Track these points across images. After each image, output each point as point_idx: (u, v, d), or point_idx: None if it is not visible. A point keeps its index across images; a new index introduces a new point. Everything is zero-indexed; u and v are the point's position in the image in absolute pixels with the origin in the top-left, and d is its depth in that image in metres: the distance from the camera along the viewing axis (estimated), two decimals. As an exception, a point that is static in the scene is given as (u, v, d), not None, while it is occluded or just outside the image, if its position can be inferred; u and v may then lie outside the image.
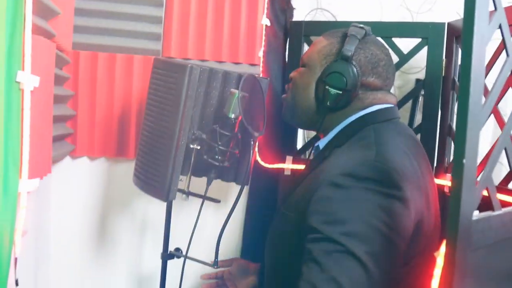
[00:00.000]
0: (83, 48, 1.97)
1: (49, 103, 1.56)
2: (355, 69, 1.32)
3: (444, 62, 1.85)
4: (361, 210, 1.11)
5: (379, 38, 1.91)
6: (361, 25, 1.39)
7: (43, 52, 1.43)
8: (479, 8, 0.89)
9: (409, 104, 2.04)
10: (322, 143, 1.43)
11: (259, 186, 2.12)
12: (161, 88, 1.54)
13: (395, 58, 2.00)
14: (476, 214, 0.99)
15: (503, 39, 1.04)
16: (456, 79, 1.84)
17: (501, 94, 1.61)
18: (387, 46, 1.46)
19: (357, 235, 1.09)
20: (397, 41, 1.97)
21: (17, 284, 1.44)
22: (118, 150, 2.04)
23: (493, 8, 0.99)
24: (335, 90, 1.33)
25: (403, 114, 2.11)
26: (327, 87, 1.34)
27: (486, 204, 1.06)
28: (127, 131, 2.02)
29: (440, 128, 1.86)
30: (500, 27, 1.02)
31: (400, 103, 2.01)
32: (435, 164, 1.86)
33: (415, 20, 2.14)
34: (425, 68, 1.88)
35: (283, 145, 2.08)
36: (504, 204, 1.18)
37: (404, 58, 1.94)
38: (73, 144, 2.01)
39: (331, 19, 2.11)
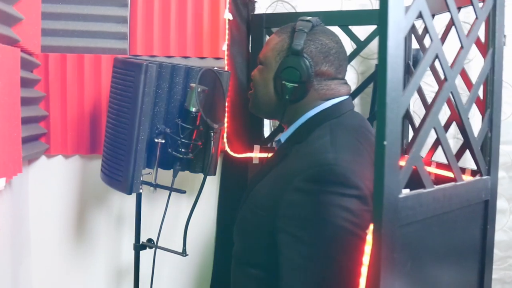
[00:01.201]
0: (52, 50, 2.04)
1: (15, 105, 1.62)
2: (307, 61, 1.39)
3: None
4: (325, 212, 1.20)
5: (336, 27, 1.99)
6: (308, 18, 1.45)
7: (4, 57, 1.49)
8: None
9: (370, 88, 2.11)
10: (283, 137, 1.49)
11: (230, 176, 2.19)
12: (121, 87, 1.61)
13: (352, 46, 2.08)
14: (406, 192, 1.06)
15: (425, 26, 1.11)
16: (411, 64, 1.90)
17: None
18: (336, 34, 1.50)
19: (326, 236, 1.19)
20: (358, 28, 2.04)
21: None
22: (91, 147, 2.11)
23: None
24: (291, 84, 1.40)
25: (364, 97, 2.18)
26: (283, 81, 1.41)
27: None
28: (99, 128, 2.09)
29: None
30: (421, 14, 1.08)
31: (361, 87, 2.08)
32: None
33: (374, 8, 2.19)
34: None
35: (251, 134, 2.15)
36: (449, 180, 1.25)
37: (360, 45, 2.00)
38: (47, 143, 2.08)
39: (291, 10, 2.17)
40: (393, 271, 1.03)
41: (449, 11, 1.19)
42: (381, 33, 0.97)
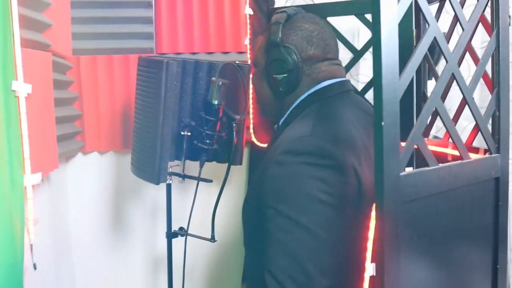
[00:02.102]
0: (82, 53, 2.16)
1: (49, 105, 1.74)
2: (290, 50, 1.39)
3: (414, 33, 1.94)
4: (300, 183, 1.22)
5: (354, 17, 2.04)
6: (283, 9, 1.46)
7: (36, 62, 1.61)
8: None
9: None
10: (281, 121, 1.51)
11: (257, 165, 2.26)
12: (145, 83, 1.71)
13: (369, 34, 2.12)
14: (409, 170, 1.11)
15: (421, 11, 1.15)
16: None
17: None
18: (317, 17, 1.48)
19: (302, 207, 1.21)
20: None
21: (35, 268, 1.63)
22: (123, 143, 2.22)
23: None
24: (281, 75, 1.41)
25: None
26: (273, 75, 1.43)
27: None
28: (129, 125, 2.19)
29: (416, 95, 1.96)
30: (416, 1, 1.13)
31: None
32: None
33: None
34: (398, 39, 1.97)
35: (275, 124, 2.21)
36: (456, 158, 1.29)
37: (378, 32, 2.04)
38: (83, 141, 2.21)
39: (310, 3, 2.22)
40: (398, 245, 1.08)
41: (447, -5, 1.23)
42: (375, 20, 1.03)
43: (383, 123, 1.03)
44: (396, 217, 1.07)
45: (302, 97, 1.43)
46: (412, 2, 1.12)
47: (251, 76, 1.56)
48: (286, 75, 1.40)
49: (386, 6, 1.02)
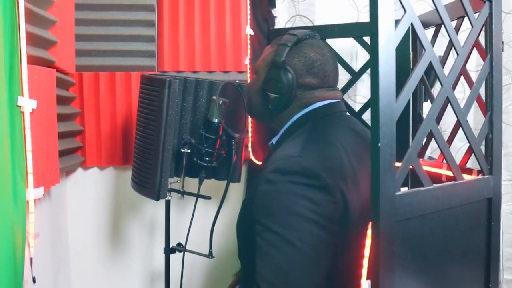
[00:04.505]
0: (85, 69, 2.20)
1: (52, 121, 1.77)
2: (289, 74, 1.43)
3: (411, 56, 1.99)
4: (287, 201, 1.27)
5: (350, 39, 2.09)
6: (295, 32, 1.50)
7: (41, 78, 1.64)
8: (383, 12, 1.05)
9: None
10: (275, 140, 1.55)
11: (254, 183, 2.29)
12: (147, 101, 1.75)
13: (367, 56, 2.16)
14: (404, 189, 1.15)
15: (417, 36, 1.20)
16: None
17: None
18: (325, 47, 1.52)
19: (289, 223, 1.25)
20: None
21: (34, 281, 1.65)
22: (123, 159, 2.26)
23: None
24: (273, 95, 1.45)
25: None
26: (267, 92, 1.47)
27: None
28: (130, 141, 2.23)
29: (412, 117, 2.00)
30: (412, 25, 1.17)
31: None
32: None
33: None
34: (395, 62, 2.02)
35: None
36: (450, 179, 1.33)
37: (375, 55, 2.08)
38: (83, 156, 2.24)
39: (309, 24, 2.27)
40: (393, 263, 1.11)
41: (442, 23, 1.27)
42: (373, 44, 1.07)
43: (379, 144, 1.06)
44: (391, 235, 1.10)
45: (295, 117, 1.47)
46: (409, 27, 1.16)
47: (250, 79, 1.60)
48: (278, 96, 1.44)
49: (383, 31, 1.06)
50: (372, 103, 1.07)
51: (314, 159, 1.30)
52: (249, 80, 2.20)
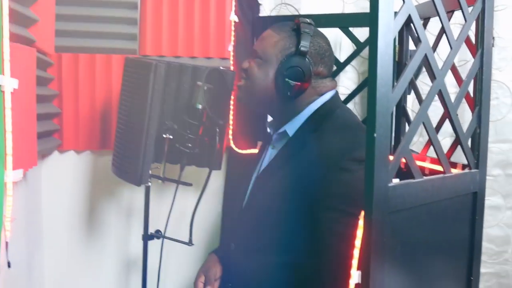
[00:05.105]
0: (65, 50, 2.14)
1: (32, 102, 1.72)
2: (308, 62, 1.50)
3: (397, 48, 1.99)
4: None
5: (337, 29, 2.08)
6: (309, 21, 1.55)
7: (22, 57, 1.59)
8: (383, 3, 1.04)
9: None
10: (289, 129, 1.58)
11: (234, 171, 2.28)
12: (132, 85, 1.71)
13: (353, 47, 2.17)
14: (395, 181, 1.14)
15: (415, 28, 1.19)
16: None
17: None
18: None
19: None
20: (359, 30, 2.12)
21: (9, 266, 1.60)
22: (101, 143, 2.20)
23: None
24: (294, 82, 1.50)
25: (365, 96, 2.26)
26: (286, 79, 1.50)
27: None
28: (109, 125, 2.18)
29: (396, 110, 2.00)
30: (410, 17, 1.16)
31: (362, 86, 2.16)
32: (392, 143, 2.01)
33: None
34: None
35: (255, 131, 2.24)
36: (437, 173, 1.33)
37: (360, 47, 2.08)
38: (60, 139, 2.18)
39: (295, 13, 2.25)
40: (383, 254, 1.11)
41: (438, 15, 1.27)
42: (372, 34, 1.06)
43: (375, 135, 1.06)
44: (383, 226, 1.10)
45: (314, 107, 1.55)
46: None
47: (250, 64, 1.60)
48: (299, 83, 1.50)
49: (383, 20, 1.05)
50: (370, 93, 1.06)
51: None
52: (232, 68, 2.18)
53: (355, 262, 1.13)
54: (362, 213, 1.09)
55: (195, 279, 1.80)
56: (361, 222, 1.11)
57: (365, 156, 1.31)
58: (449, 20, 1.67)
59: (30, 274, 2.03)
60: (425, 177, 1.23)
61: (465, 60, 2.19)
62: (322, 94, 1.56)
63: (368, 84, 1.07)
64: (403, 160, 1.19)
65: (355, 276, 1.11)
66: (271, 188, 1.54)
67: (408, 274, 1.23)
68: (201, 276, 1.79)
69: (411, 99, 2.19)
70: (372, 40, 1.05)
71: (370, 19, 1.06)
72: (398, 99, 1.12)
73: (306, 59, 1.50)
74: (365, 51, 2.16)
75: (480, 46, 1.41)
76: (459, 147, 1.42)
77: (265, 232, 1.55)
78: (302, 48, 1.49)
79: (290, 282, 1.49)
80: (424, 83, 2.15)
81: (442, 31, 1.31)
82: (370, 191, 1.07)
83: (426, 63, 1.23)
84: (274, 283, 1.51)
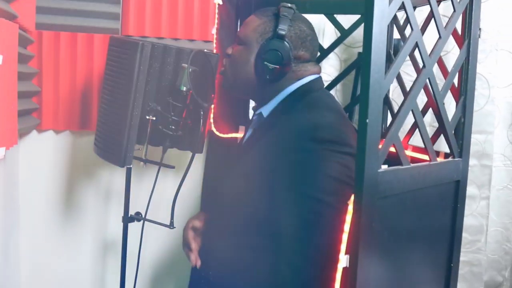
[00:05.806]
0: (46, 28, 2.09)
1: (13, 79, 1.68)
2: (288, 45, 1.49)
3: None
4: (327, 168, 1.33)
5: (321, 16, 2.09)
6: (289, 5, 1.55)
7: (5, 32, 1.55)
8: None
9: (352, 75, 2.21)
10: (265, 111, 1.58)
11: (215, 154, 2.28)
12: (116, 64, 1.68)
13: (336, 34, 2.17)
14: (384, 167, 1.16)
15: (407, 16, 1.20)
16: (392, 52, 1.99)
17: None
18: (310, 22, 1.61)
19: (328, 189, 1.32)
20: (343, 17, 2.13)
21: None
22: (81, 123, 2.17)
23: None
24: (273, 65, 1.49)
25: (347, 83, 2.28)
26: (265, 62, 1.50)
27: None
28: (90, 105, 2.15)
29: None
30: (403, 4, 1.17)
31: (344, 74, 2.17)
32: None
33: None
34: (365, 42, 2.03)
35: (236, 115, 2.23)
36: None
37: (344, 34, 2.09)
38: (39, 118, 2.14)
39: (280, -3, 2.24)
40: (371, 239, 1.13)
41: (429, 3, 1.28)
42: (367, 20, 1.06)
43: (367, 120, 1.07)
44: (372, 212, 1.12)
45: (291, 89, 1.54)
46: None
47: (233, 50, 1.59)
48: (277, 66, 1.49)
49: (378, 7, 1.06)
50: (363, 78, 1.07)
51: (341, 127, 1.40)
52: (215, 51, 2.16)
53: (343, 246, 1.14)
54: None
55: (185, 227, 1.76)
56: (350, 207, 1.12)
57: (326, 136, 1.35)
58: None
59: (6, 253, 2.00)
60: (412, 164, 1.25)
61: (446, 51, 2.22)
62: (302, 78, 1.55)
63: (362, 70, 1.08)
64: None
65: (343, 260, 1.13)
66: (241, 168, 1.54)
67: (393, 259, 1.25)
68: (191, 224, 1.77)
69: (391, 88, 2.22)
70: (367, 26, 1.06)
71: (365, 5, 1.07)
72: (390, 85, 1.14)
73: (285, 42, 1.49)
74: (348, 39, 2.17)
75: (467, 36, 1.43)
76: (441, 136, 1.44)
77: (234, 214, 1.55)
78: (280, 32, 1.49)
79: (257, 264, 1.47)
80: (406, 73, 2.17)
81: (429, 20, 1.33)
82: (360, 176, 1.09)
83: (417, 51, 1.24)
84: (244, 266, 1.51)
